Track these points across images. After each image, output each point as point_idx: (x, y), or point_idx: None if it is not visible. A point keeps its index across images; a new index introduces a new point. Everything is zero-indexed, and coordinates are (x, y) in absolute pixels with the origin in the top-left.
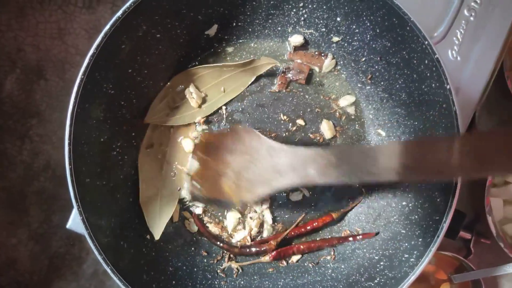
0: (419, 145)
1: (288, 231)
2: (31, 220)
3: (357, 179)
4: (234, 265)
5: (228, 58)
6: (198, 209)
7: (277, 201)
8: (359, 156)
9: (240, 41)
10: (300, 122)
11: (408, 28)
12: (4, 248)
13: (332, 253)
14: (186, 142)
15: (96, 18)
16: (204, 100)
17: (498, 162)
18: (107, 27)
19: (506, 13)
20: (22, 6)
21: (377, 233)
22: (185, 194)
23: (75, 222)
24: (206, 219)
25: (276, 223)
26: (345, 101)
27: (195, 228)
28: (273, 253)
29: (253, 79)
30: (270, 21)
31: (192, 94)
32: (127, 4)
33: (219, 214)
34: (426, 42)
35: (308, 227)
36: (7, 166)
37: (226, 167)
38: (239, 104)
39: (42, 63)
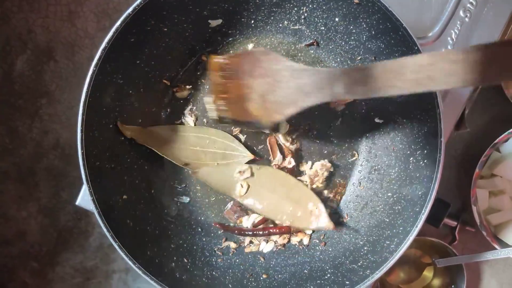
0: (434, 56)
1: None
2: (41, 195)
3: (384, 94)
4: (232, 244)
5: (231, 51)
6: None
7: None
8: (384, 72)
9: (243, 35)
10: None
11: (400, 33)
12: (15, 221)
13: (321, 238)
14: None
15: (104, 2)
16: None
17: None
18: (118, 23)
19: (499, 16)
20: None
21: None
22: (211, 115)
23: (83, 199)
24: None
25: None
26: None
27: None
28: None
29: None
30: (272, 17)
31: None
32: (138, 2)
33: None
34: (416, 48)
35: (266, 232)
36: (18, 143)
37: (249, 91)
38: None
39: (52, 44)
